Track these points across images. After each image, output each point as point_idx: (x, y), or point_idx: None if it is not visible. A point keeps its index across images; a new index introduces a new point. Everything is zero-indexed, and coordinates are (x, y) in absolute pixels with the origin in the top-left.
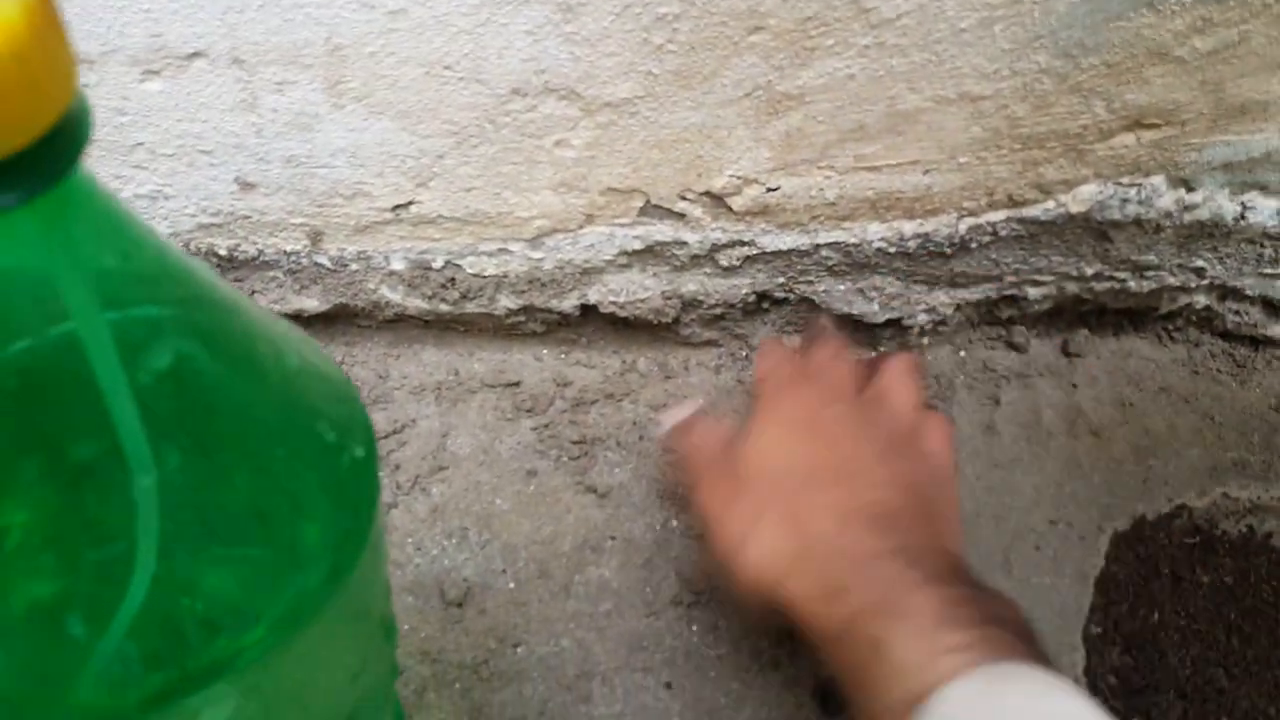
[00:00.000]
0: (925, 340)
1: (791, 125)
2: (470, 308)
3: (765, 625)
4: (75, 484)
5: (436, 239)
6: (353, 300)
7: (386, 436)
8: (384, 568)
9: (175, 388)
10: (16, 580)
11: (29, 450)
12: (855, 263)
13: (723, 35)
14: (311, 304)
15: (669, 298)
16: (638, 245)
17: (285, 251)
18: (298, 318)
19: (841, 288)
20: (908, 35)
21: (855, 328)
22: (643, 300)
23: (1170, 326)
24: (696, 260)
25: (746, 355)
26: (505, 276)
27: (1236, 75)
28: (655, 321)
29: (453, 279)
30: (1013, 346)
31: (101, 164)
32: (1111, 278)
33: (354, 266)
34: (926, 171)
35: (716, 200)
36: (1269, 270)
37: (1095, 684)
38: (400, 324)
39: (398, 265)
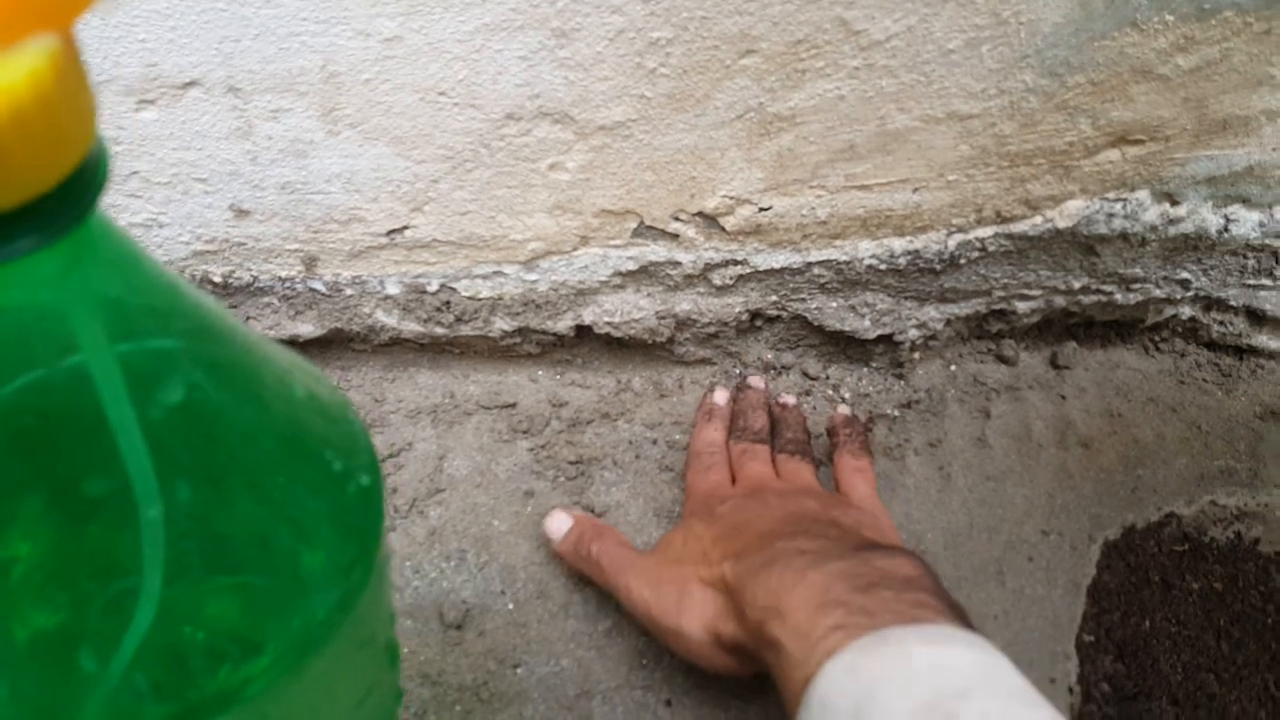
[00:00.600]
0: (916, 355)
1: (783, 146)
2: (465, 330)
3: (725, 675)
4: (81, 515)
5: (431, 263)
6: (348, 325)
7: (383, 460)
8: (389, 593)
9: (184, 420)
10: (22, 611)
11: (36, 482)
12: (847, 280)
13: (715, 59)
14: (306, 329)
15: (663, 317)
16: (632, 266)
17: (280, 277)
18: (293, 343)
19: (833, 305)
20: (896, 57)
21: (847, 344)
22: (637, 320)
23: (1156, 338)
24: (690, 280)
25: (740, 373)
26: (500, 299)
27: (1218, 92)
28: (650, 341)
29: (448, 302)
30: (1002, 360)
31: None
32: (1098, 291)
33: (349, 291)
34: (916, 189)
35: (710, 220)
36: (1252, 281)
37: (1089, 691)
38: (395, 348)
39: (393, 289)
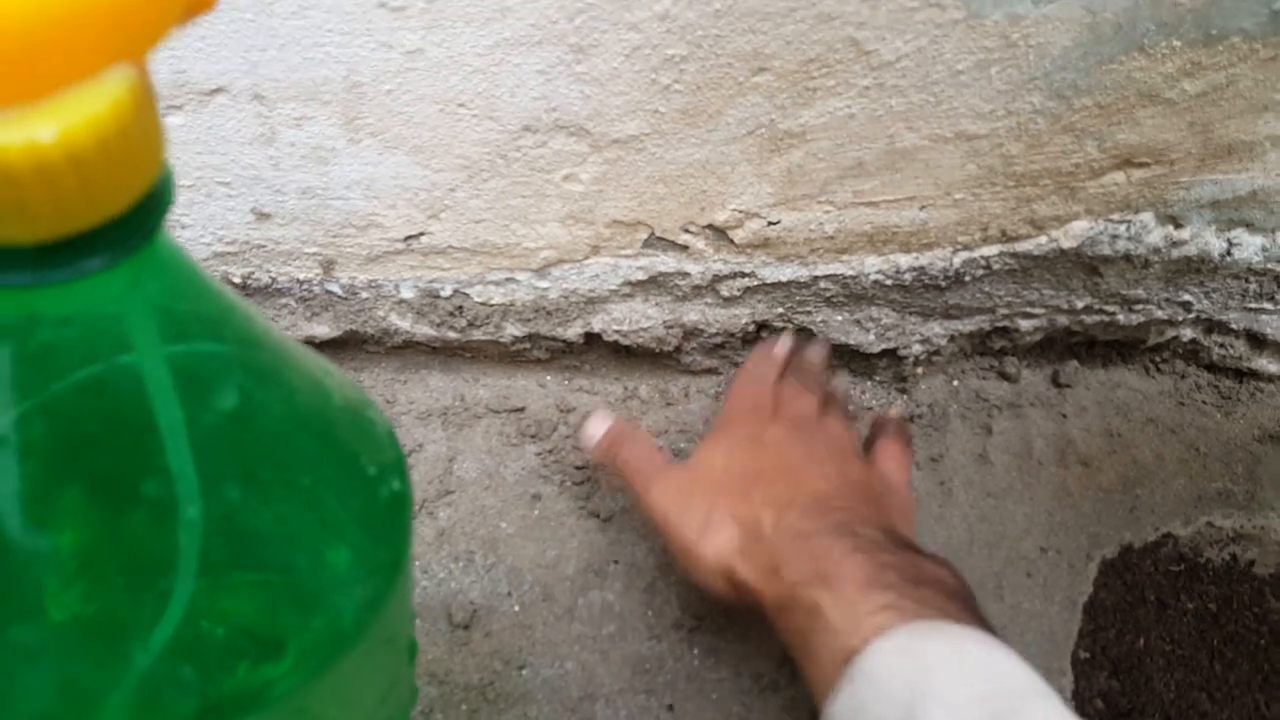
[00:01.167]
0: (920, 370)
1: (793, 162)
2: (477, 335)
3: (725, 607)
4: (122, 509)
5: (446, 268)
6: (362, 327)
7: None
8: (411, 593)
9: (228, 422)
10: (60, 595)
11: (82, 472)
12: (852, 294)
13: (728, 76)
14: (322, 330)
15: (671, 327)
16: (641, 276)
17: (298, 279)
18: (308, 344)
19: (839, 318)
20: (907, 77)
21: (852, 357)
22: (645, 329)
23: (1157, 358)
24: (698, 290)
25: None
26: (512, 305)
27: (1224, 117)
28: (657, 350)
29: (460, 307)
30: (1005, 377)
31: None
32: (1101, 311)
33: (364, 294)
34: (923, 207)
35: (719, 233)
36: (1253, 305)
37: (1083, 707)
38: (407, 350)
39: (407, 294)
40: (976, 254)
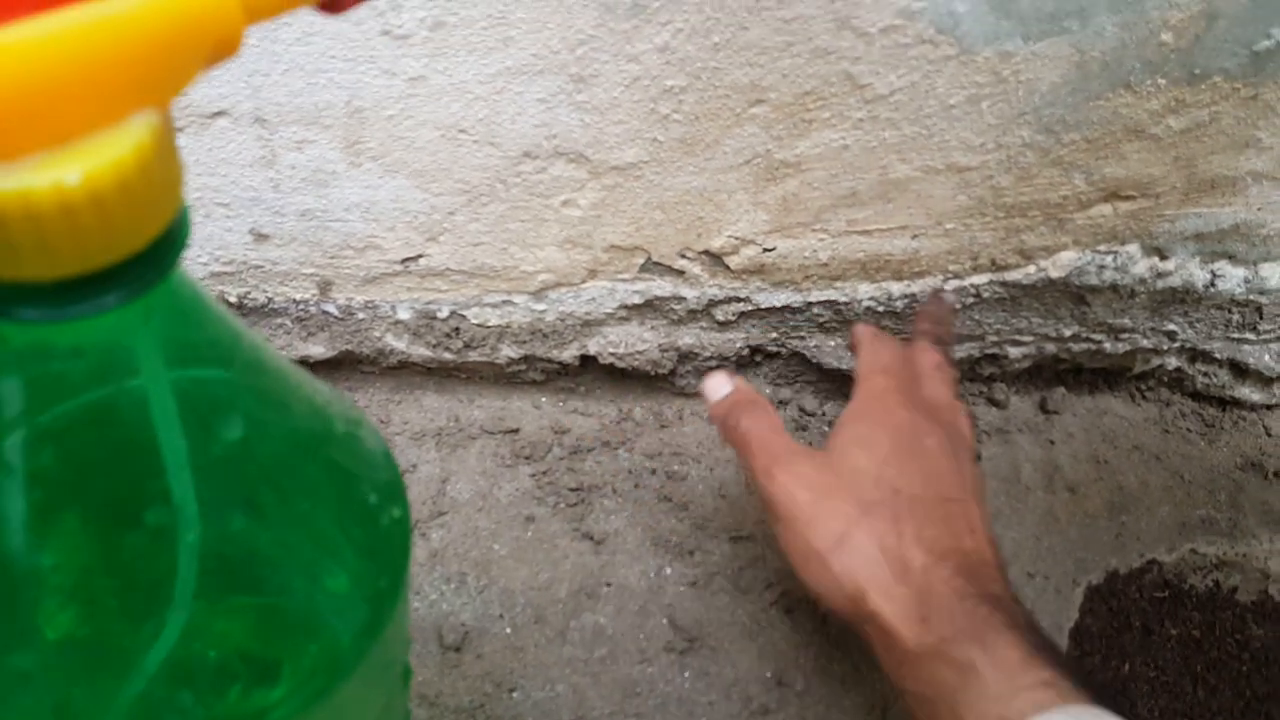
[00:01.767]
0: None
1: (788, 191)
2: (473, 356)
3: (826, 607)
4: (121, 531)
5: (443, 290)
6: (358, 348)
7: None
8: (408, 618)
9: (231, 448)
10: (55, 615)
11: (82, 493)
12: (845, 320)
13: (726, 107)
14: (317, 350)
15: (666, 350)
16: (638, 300)
17: (294, 300)
18: (303, 363)
19: (831, 343)
20: (900, 110)
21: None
22: (640, 352)
23: (1143, 386)
24: (694, 315)
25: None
26: (508, 327)
27: (1207, 152)
28: (652, 372)
29: (457, 329)
30: (993, 403)
31: None
32: (1088, 339)
33: (361, 315)
34: (915, 236)
35: (715, 259)
36: (1236, 335)
37: None
38: (403, 371)
39: (404, 315)
40: (967, 282)
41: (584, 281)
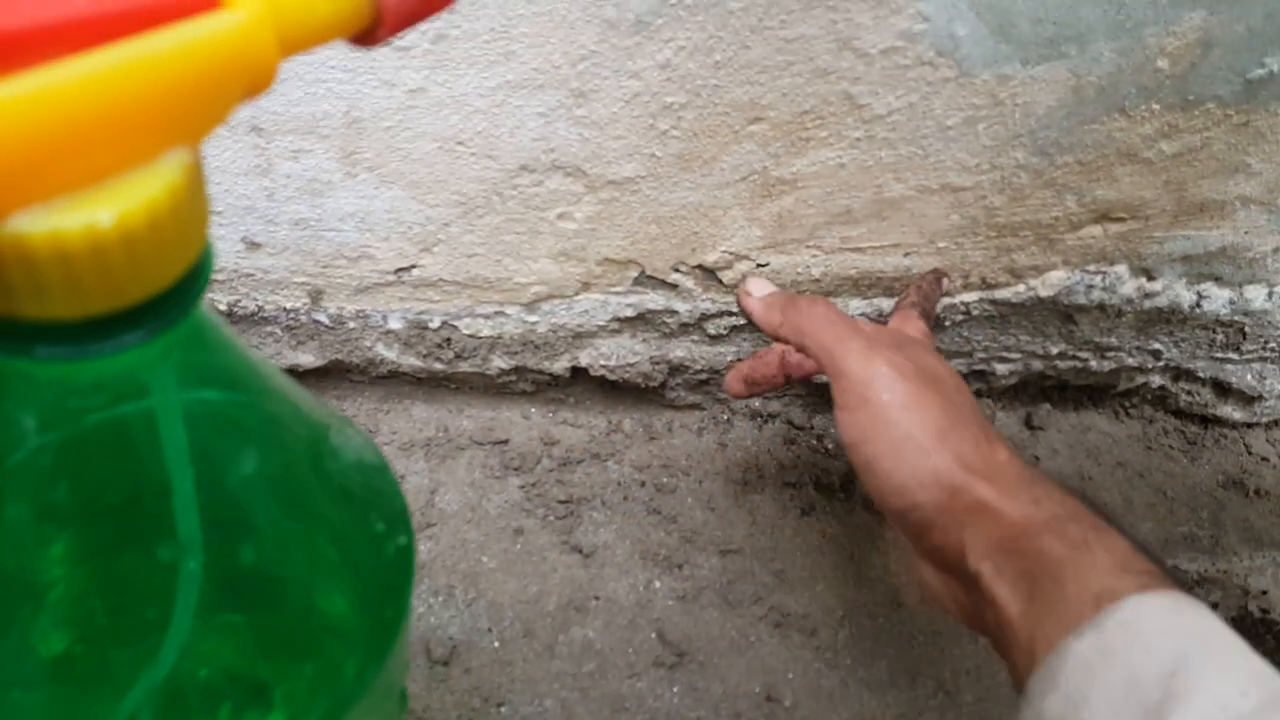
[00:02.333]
0: None
1: (783, 207)
2: (463, 367)
3: (898, 519)
4: (121, 552)
5: (435, 301)
6: (348, 357)
7: None
8: (408, 642)
9: (239, 474)
10: (50, 632)
11: (86, 513)
12: None
13: (724, 124)
14: (307, 359)
15: (657, 362)
16: (630, 313)
17: (285, 308)
18: (292, 372)
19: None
20: (896, 130)
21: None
22: (632, 364)
23: (1127, 404)
24: (685, 328)
25: (728, 419)
26: (500, 338)
27: (1198, 177)
28: (642, 385)
29: (448, 339)
30: None
31: None
32: (1074, 357)
33: (351, 325)
34: (907, 254)
35: (708, 273)
36: (1220, 355)
37: None
38: (392, 380)
39: (395, 324)
40: (957, 300)
41: (577, 294)
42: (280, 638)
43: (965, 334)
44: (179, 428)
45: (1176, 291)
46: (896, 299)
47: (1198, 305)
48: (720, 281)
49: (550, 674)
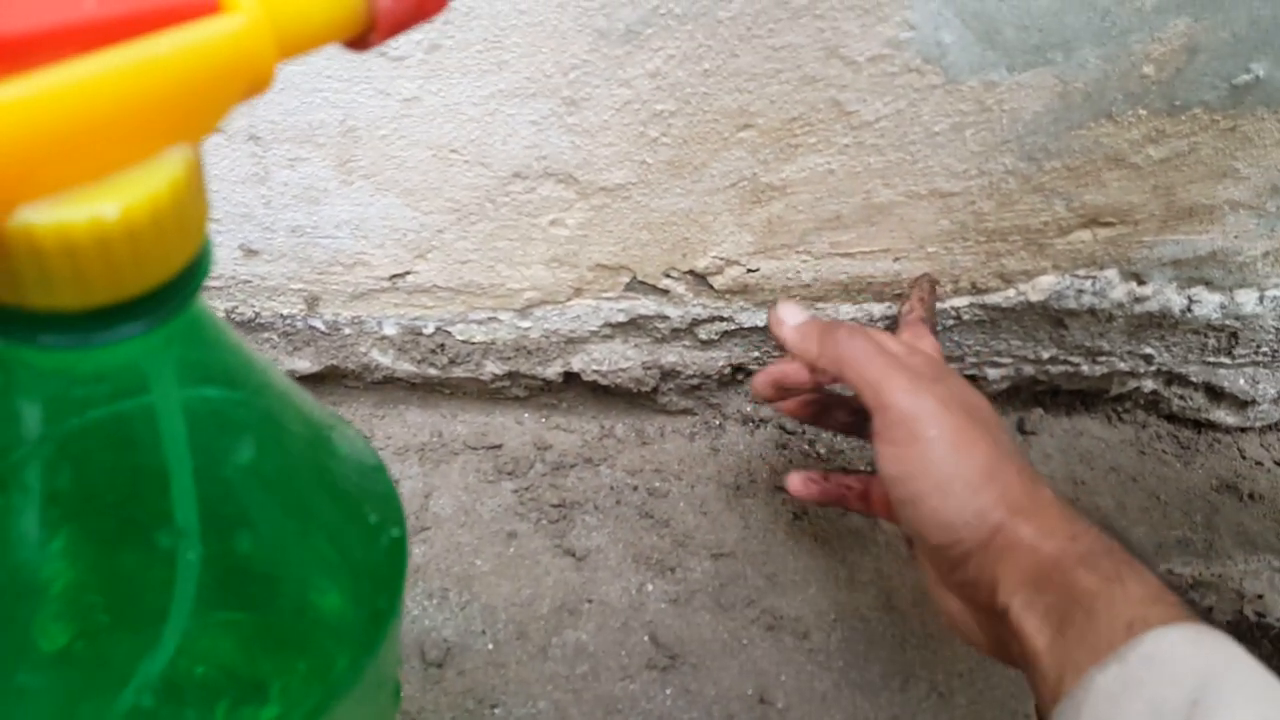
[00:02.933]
0: None
1: (773, 213)
2: (457, 372)
3: (937, 555)
4: (122, 546)
5: (430, 307)
6: (343, 362)
7: None
8: (400, 636)
9: (236, 468)
10: (51, 626)
11: (87, 507)
12: None
13: (714, 131)
14: (303, 365)
15: (649, 368)
16: (622, 318)
17: (281, 314)
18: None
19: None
20: (885, 136)
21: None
22: (624, 369)
23: (1120, 408)
24: (677, 333)
25: (720, 424)
26: (493, 343)
27: (1186, 181)
28: (635, 390)
29: (442, 345)
30: None
31: None
32: (1066, 361)
33: (347, 330)
34: (897, 259)
35: (699, 279)
36: (1211, 359)
37: None
38: (387, 385)
39: (390, 330)
40: (947, 304)
41: (569, 299)
42: (276, 633)
43: (956, 339)
44: (178, 420)
45: (1167, 296)
46: (899, 310)
47: (1189, 310)
48: (711, 287)
49: (543, 676)
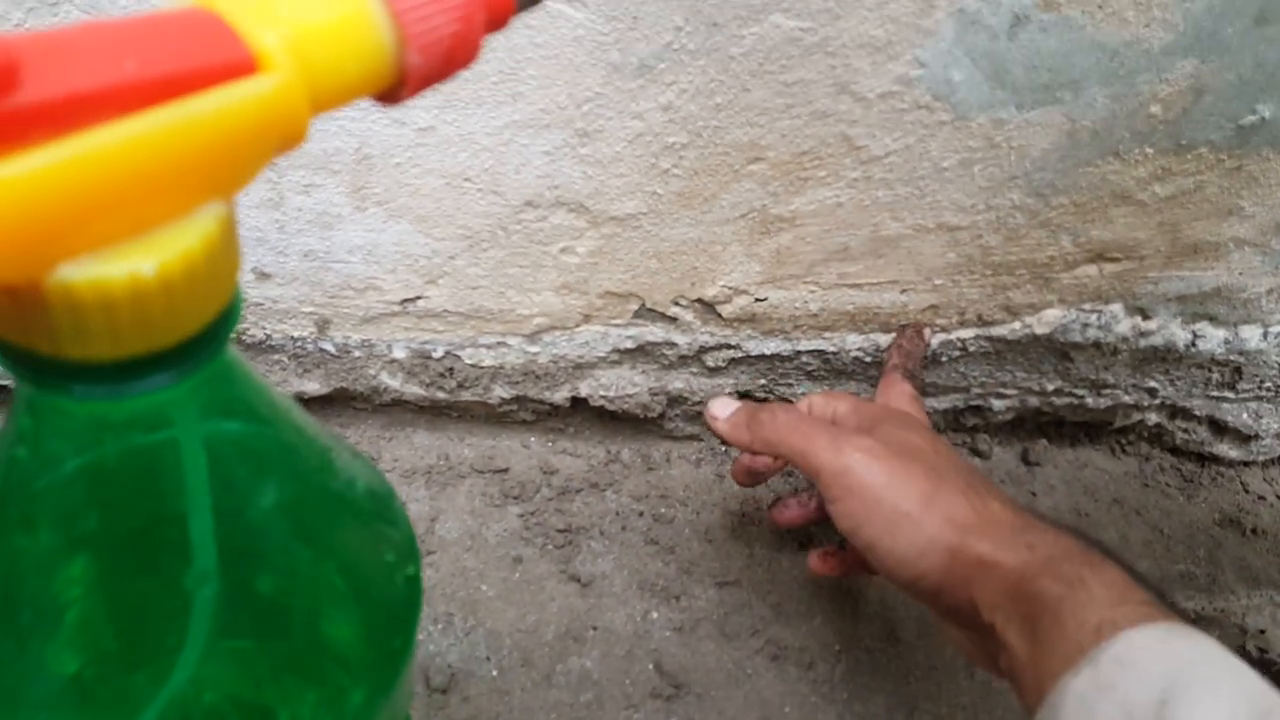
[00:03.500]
0: None
1: (782, 244)
2: (465, 396)
3: (914, 592)
4: (138, 576)
5: (439, 331)
6: (352, 385)
7: None
8: (413, 671)
9: (254, 503)
10: (65, 652)
11: (106, 536)
12: (833, 369)
13: (725, 163)
14: (312, 387)
15: (656, 394)
16: (630, 345)
17: (292, 337)
18: (297, 400)
19: (819, 391)
20: (894, 171)
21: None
22: (631, 395)
23: (1124, 440)
24: (684, 360)
25: (726, 450)
26: (501, 368)
27: (1191, 218)
28: (641, 415)
29: (451, 369)
30: (977, 453)
31: None
32: (1070, 394)
33: (357, 354)
34: (904, 291)
35: (707, 307)
36: (1215, 393)
37: None
38: (395, 408)
39: (399, 354)
40: (953, 336)
41: (578, 325)
42: (286, 664)
43: (962, 370)
44: (200, 459)
45: (1172, 331)
46: (886, 353)
47: (1193, 344)
48: (719, 315)
49: (548, 704)
